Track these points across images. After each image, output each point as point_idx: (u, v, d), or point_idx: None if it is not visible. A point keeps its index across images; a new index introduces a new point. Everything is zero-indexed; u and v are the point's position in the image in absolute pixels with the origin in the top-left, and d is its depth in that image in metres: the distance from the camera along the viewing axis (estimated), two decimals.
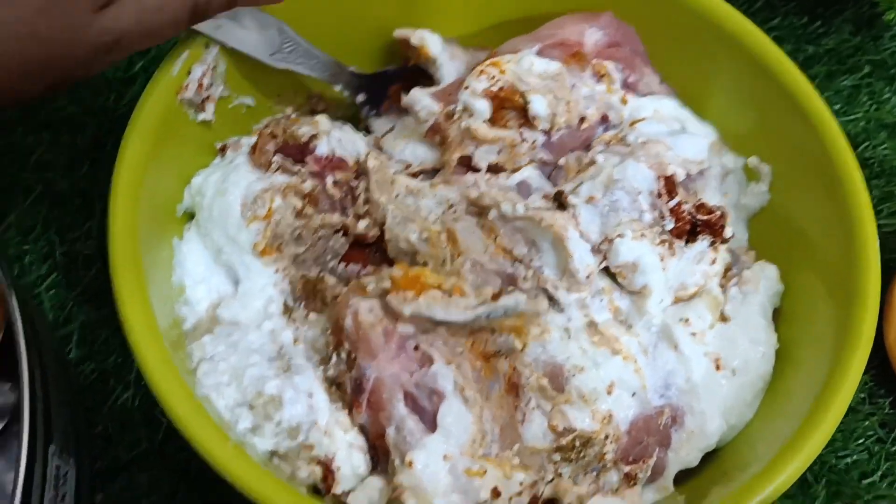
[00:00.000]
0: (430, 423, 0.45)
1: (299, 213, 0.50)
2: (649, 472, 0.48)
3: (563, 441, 0.46)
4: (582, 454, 0.47)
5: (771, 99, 0.54)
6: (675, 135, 0.54)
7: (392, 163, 0.54)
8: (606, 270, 0.51)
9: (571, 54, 0.55)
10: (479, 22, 0.59)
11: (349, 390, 0.46)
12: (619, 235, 0.50)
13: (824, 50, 0.70)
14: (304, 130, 0.52)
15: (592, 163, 0.52)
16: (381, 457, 0.46)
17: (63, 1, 0.41)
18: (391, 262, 0.52)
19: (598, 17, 0.56)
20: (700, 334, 0.50)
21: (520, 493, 0.45)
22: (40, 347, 0.48)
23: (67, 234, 0.60)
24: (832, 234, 0.51)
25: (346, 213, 0.52)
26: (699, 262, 0.52)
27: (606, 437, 0.47)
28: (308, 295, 0.50)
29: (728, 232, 0.52)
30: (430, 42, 0.57)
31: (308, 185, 0.51)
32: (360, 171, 0.53)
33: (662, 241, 0.51)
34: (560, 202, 0.51)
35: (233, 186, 0.51)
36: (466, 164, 0.54)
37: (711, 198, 0.54)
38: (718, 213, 0.52)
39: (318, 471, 0.45)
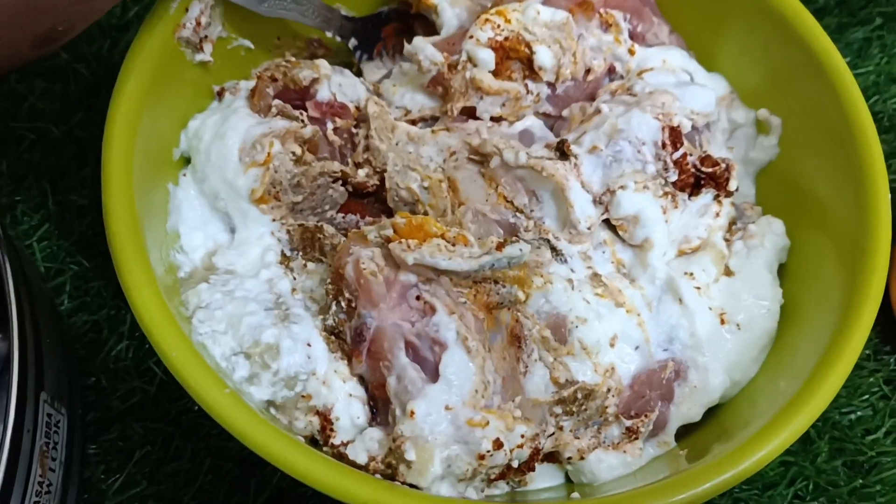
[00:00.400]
0: (432, 374, 0.44)
1: (298, 160, 0.49)
2: (651, 427, 0.47)
3: (565, 393, 0.45)
4: (583, 407, 0.46)
5: (785, 51, 0.53)
6: (683, 86, 0.53)
7: (391, 109, 0.53)
8: (608, 223, 0.50)
9: (578, 3, 0.54)
10: None
11: (349, 339, 0.46)
12: (622, 187, 0.49)
13: (835, 1, 0.69)
14: (304, 74, 0.51)
15: (597, 112, 0.51)
16: (380, 408, 0.46)
17: None
18: (390, 214, 0.51)
19: None
20: (704, 288, 0.49)
21: (521, 446, 0.44)
22: (31, 297, 0.47)
23: (60, 184, 0.59)
24: (842, 190, 0.50)
25: (346, 161, 0.51)
26: (703, 215, 0.51)
27: (608, 390, 0.46)
28: (306, 244, 0.49)
29: (733, 185, 0.51)
30: None
31: (308, 130, 0.50)
32: (361, 119, 0.52)
33: (665, 194, 0.50)
34: (562, 151, 0.50)
35: (231, 130, 0.49)
36: (468, 114, 0.53)
37: (717, 151, 0.54)
38: (724, 165, 0.51)
39: (315, 421, 0.45)
